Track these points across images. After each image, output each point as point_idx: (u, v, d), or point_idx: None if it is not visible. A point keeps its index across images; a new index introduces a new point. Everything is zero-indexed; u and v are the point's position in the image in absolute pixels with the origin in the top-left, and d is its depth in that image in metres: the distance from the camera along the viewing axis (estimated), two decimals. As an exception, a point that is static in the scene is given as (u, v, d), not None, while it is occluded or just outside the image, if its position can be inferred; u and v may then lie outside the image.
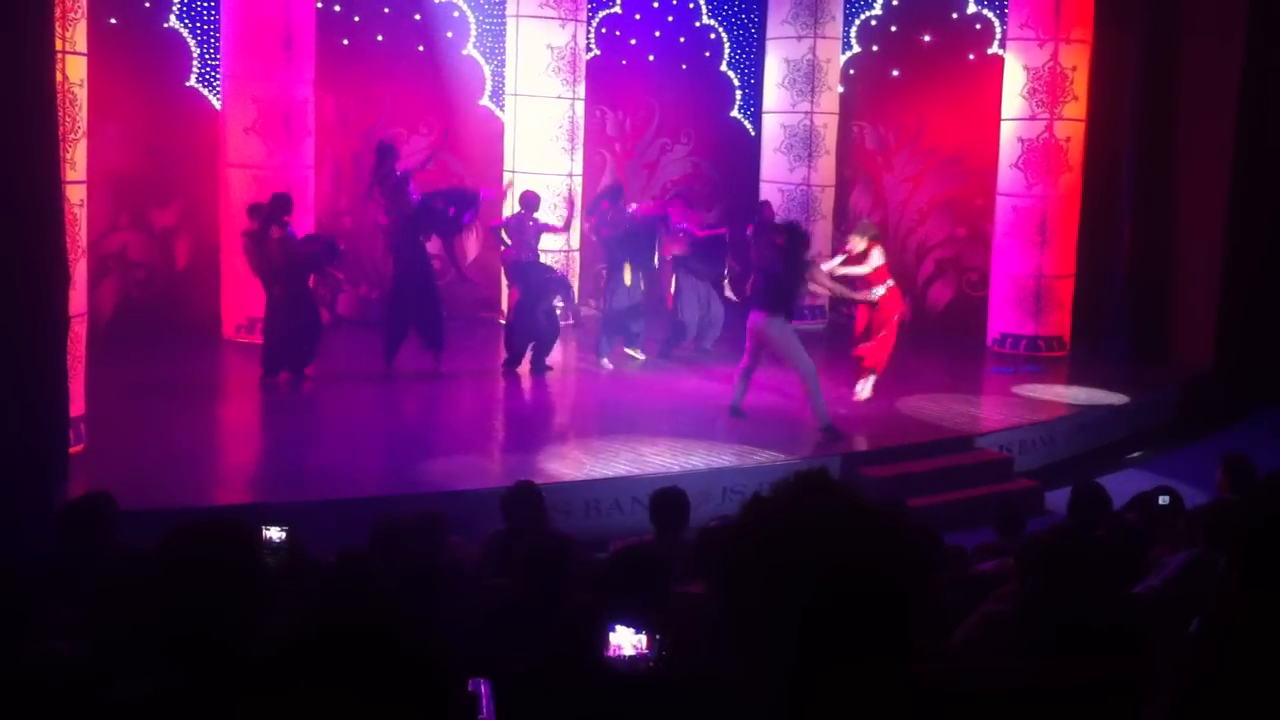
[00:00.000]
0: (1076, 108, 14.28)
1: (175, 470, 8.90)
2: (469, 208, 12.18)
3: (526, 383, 12.35)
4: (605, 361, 12.84)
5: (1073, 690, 3.34)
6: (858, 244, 11.57)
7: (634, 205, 13.46)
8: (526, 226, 12.40)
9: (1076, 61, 14.21)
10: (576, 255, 14.88)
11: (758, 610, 1.53)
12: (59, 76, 8.04)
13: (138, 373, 11.76)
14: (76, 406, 8.65)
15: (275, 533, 4.85)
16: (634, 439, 10.46)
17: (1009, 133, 14.51)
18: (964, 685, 3.27)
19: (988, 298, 14.99)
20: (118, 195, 13.51)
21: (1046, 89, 14.20)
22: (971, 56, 15.62)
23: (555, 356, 12.66)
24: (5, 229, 7.35)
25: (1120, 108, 14.23)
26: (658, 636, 3.04)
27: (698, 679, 2.81)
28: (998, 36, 15.31)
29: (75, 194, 8.68)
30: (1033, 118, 14.29)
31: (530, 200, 12.52)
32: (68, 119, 8.38)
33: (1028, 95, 14.30)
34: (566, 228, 13.52)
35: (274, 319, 11.37)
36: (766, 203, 15.22)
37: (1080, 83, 14.24)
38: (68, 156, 8.39)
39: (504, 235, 12.60)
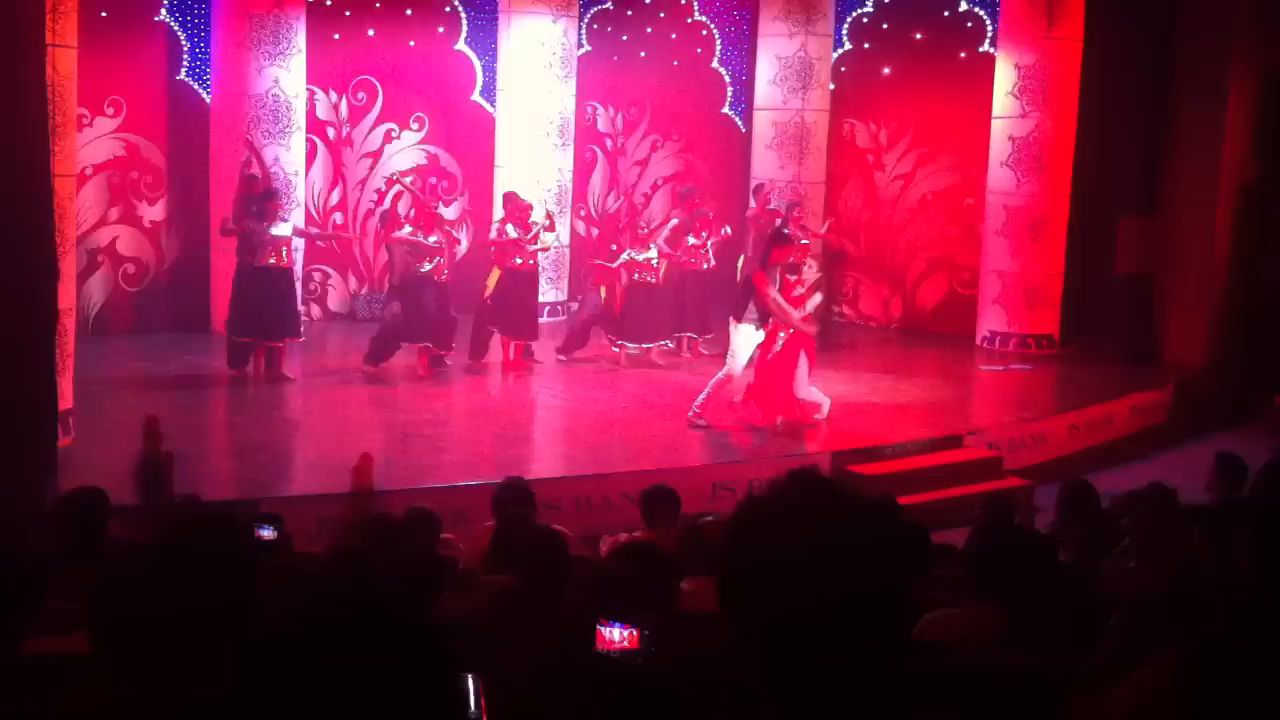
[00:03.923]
0: (1067, 106, 14.30)
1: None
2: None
3: (515, 378, 12.34)
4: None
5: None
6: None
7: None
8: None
9: (1067, 59, 14.22)
10: (567, 251, 14.88)
11: (757, 606, 1.53)
12: (48, 70, 8.00)
13: (127, 367, 11.73)
14: (65, 400, 8.62)
15: (265, 531, 4.89)
16: (623, 435, 10.46)
17: (999, 131, 14.52)
18: (957, 677, 3.29)
19: (978, 296, 15.00)
20: (107, 189, 13.47)
21: (1037, 87, 14.21)
22: (963, 54, 15.61)
23: (544, 352, 12.70)
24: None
25: (1111, 105, 14.24)
26: (647, 631, 3.05)
27: (694, 674, 2.81)
28: (989, 34, 15.32)
29: (64, 187, 8.65)
30: (1023, 116, 14.31)
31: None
32: (57, 112, 8.35)
33: (1018, 93, 14.31)
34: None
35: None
36: (761, 184, 15.11)
37: (1071, 81, 14.26)
38: (57, 150, 8.36)
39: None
